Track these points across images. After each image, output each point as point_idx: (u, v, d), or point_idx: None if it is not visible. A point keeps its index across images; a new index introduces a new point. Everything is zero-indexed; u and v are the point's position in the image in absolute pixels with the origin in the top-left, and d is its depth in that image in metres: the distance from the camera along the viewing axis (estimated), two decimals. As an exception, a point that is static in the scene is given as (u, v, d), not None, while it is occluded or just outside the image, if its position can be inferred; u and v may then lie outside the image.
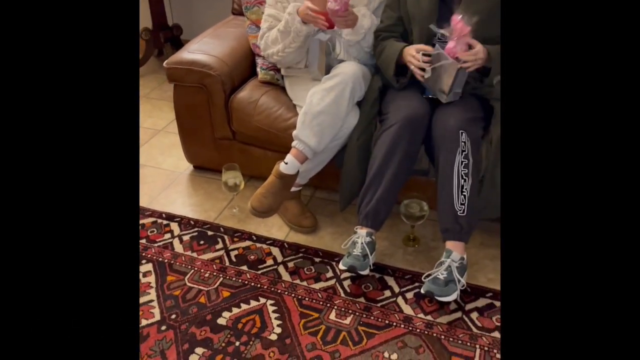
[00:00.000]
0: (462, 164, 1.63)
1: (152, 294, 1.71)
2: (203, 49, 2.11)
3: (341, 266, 1.68)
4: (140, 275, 1.79)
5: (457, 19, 1.55)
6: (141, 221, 2.03)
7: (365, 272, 1.68)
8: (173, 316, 1.63)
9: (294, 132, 1.78)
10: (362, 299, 1.68)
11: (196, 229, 1.99)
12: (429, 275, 1.62)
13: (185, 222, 2.03)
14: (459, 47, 1.58)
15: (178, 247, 1.91)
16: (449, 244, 1.64)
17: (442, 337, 1.55)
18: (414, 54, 1.69)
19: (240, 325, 1.59)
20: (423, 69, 1.67)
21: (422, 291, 1.60)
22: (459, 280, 1.60)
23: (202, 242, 1.93)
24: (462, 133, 1.64)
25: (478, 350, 1.50)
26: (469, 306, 1.64)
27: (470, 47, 1.59)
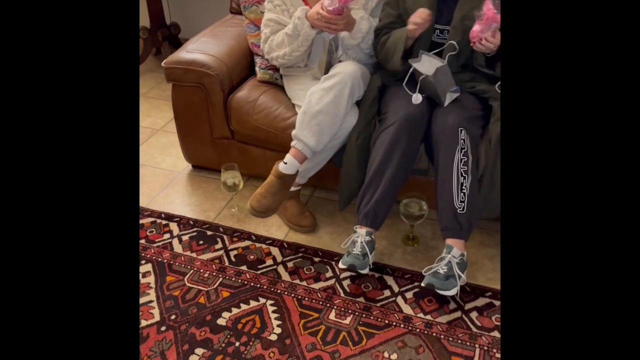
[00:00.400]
0: (461, 161, 1.63)
1: (152, 295, 1.71)
2: (201, 49, 2.11)
3: (341, 265, 1.68)
4: (140, 275, 1.78)
5: (489, 6, 1.57)
6: (140, 221, 2.03)
7: (365, 271, 1.68)
8: (173, 317, 1.63)
9: (293, 132, 1.78)
10: (361, 299, 1.68)
11: (195, 229, 1.99)
12: (429, 269, 1.62)
13: (184, 222, 2.03)
14: (487, 33, 1.59)
15: (177, 247, 1.91)
16: (449, 240, 1.64)
17: (442, 336, 1.55)
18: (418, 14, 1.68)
19: (240, 326, 1.59)
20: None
21: (423, 284, 1.60)
22: (460, 276, 1.60)
23: (201, 242, 1.93)
24: (461, 131, 1.64)
25: (478, 350, 1.51)
26: (468, 306, 1.65)
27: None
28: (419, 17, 1.68)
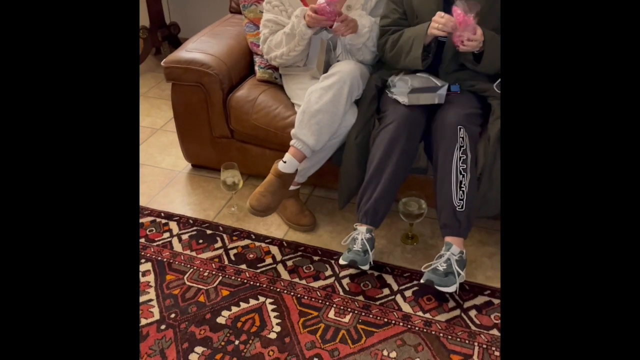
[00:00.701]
0: (460, 159, 1.63)
1: (152, 293, 1.71)
2: (201, 48, 2.11)
3: (341, 261, 1.68)
4: (139, 274, 1.79)
5: (457, 11, 1.59)
6: (140, 220, 2.03)
7: (366, 267, 1.69)
8: (172, 315, 1.63)
9: (292, 131, 1.79)
10: (361, 297, 1.68)
11: (195, 228, 2.00)
12: (429, 266, 1.63)
13: (184, 221, 2.03)
14: (466, 35, 1.62)
15: (177, 246, 1.91)
16: (449, 238, 1.65)
17: (441, 334, 1.55)
18: (436, 19, 1.67)
19: (239, 324, 1.60)
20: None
21: (422, 280, 1.60)
22: (459, 274, 1.60)
23: (201, 241, 1.94)
24: (460, 129, 1.64)
25: (477, 348, 1.51)
26: (467, 304, 1.65)
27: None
28: (448, 25, 1.63)
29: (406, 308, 1.64)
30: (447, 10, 1.70)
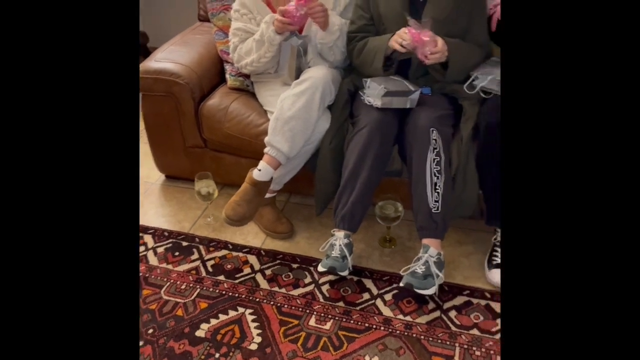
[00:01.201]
0: (434, 161, 1.64)
1: (128, 309, 1.68)
2: (170, 57, 2.08)
3: (320, 268, 1.67)
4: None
5: (412, 31, 1.62)
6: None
7: (345, 273, 1.68)
8: (150, 331, 1.60)
9: (266, 139, 1.77)
10: (341, 303, 1.67)
11: (170, 240, 1.96)
12: (407, 269, 1.63)
13: (159, 234, 2.00)
14: (427, 50, 1.63)
15: (152, 260, 1.88)
16: (426, 240, 1.65)
17: (422, 337, 1.55)
18: (400, 34, 1.68)
19: (219, 337, 1.57)
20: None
21: (401, 284, 1.61)
22: (437, 275, 1.61)
23: (177, 253, 1.90)
24: (432, 131, 1.65)
25: (457, 349, 1.51)
26: (447, 305, 1.65)
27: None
28: (411, 44, 1.65)
29: (386, 312, 1.64)
30: (414, 15, 1.72)
